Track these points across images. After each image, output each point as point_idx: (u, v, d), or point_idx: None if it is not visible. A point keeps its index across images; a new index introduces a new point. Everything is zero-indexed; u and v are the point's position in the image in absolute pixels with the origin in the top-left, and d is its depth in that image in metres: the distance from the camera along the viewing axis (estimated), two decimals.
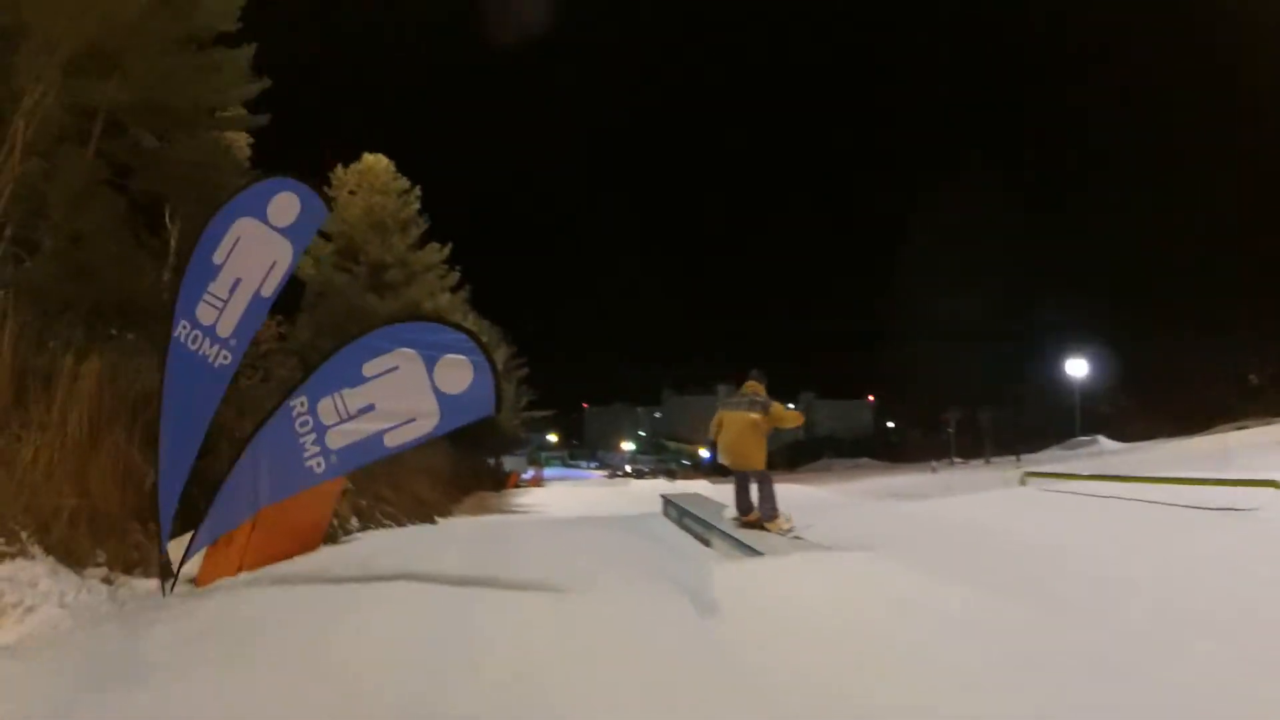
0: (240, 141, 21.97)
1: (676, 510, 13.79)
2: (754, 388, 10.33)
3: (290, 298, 22.22)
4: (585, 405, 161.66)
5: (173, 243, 14.48)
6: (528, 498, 32.80)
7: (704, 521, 11.36)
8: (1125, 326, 74.34)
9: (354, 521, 14.95)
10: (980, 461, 62.66)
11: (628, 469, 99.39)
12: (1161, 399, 65.43)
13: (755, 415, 10.07)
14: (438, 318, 8.43)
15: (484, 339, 7.16)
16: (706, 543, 10.64)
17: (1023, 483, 15.10)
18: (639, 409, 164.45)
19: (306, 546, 9.68)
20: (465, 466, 36.38)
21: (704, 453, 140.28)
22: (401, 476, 21.17)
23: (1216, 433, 36.90)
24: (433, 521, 20.81)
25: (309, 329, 22.08)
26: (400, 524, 17.93)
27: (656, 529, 12.56)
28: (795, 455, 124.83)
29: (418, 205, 27.04)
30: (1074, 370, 70.70)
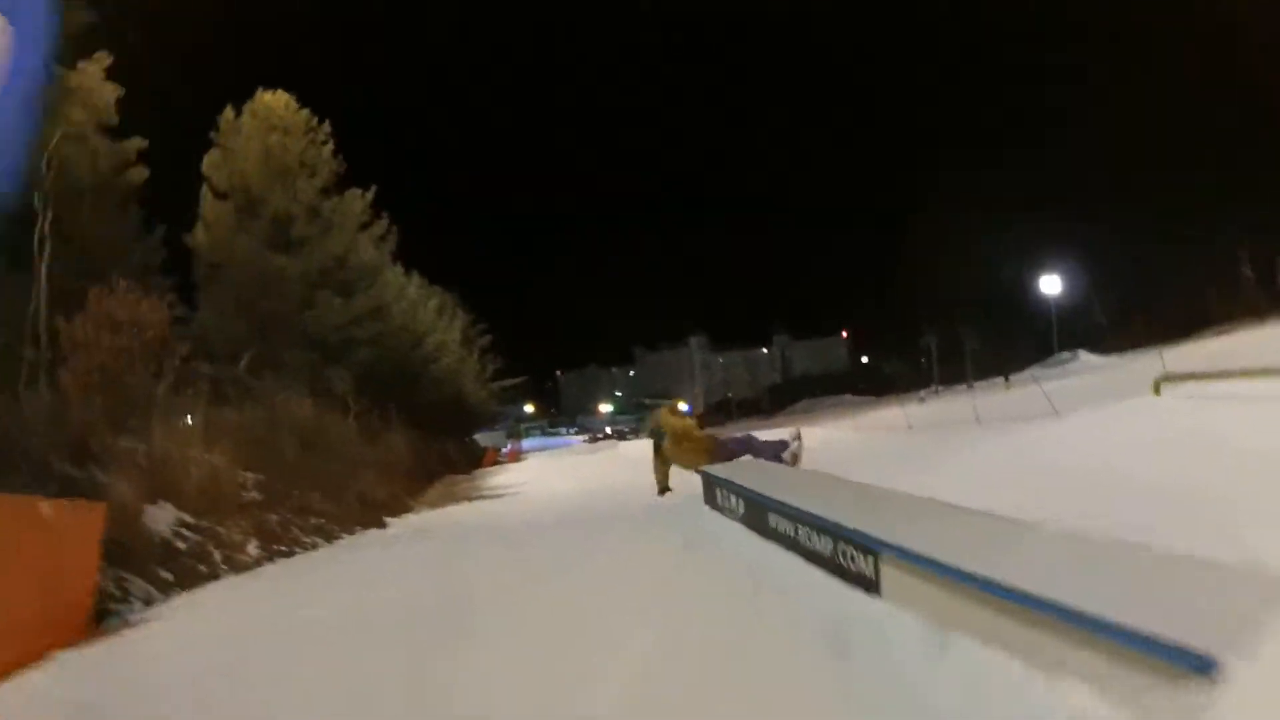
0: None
1: (744, 500, 8.47)
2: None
3: (180, 273, 17.84)
4: (559, 373, 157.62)
5: None
6: (505, 476, 28.62)
7: (848, 536, 5.40)
8: (1094, 239, 72.19)
9: (252, 549, 10.68)
10: (963, 386, 60.73)
11: (609, 431, 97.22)
12: (1138, 311, 61.37)
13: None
14: None
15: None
16: (867, 584, 5.10)
17: (1157, 391, 11.19)
18: (613, 369, 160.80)
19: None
20: (430, 451, 32.15)
21: (683, 406, 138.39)
22: (338, 477, 16.98)
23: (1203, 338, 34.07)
24: (381, 525, 16.72)
25: (211, 308, 17.70)
26: (333, 538, 13.79)
27: (704, 539, 8.44)
28: (774, 398, 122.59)
29: (329, 144, 22.93)
30: (1048, 287, 69.39)
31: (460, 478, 30.65)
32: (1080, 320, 72.40)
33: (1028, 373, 52.61)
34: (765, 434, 15.04)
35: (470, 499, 22.43)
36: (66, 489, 8.22)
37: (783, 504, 6.85)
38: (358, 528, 15.83)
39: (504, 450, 50.30)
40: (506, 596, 6.81)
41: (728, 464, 10.85)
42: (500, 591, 7.13)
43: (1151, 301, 61.58)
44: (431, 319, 31.08)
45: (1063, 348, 62.70)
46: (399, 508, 20.61)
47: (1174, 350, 26.63)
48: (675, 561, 7.45)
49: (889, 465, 11.20)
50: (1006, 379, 53.76)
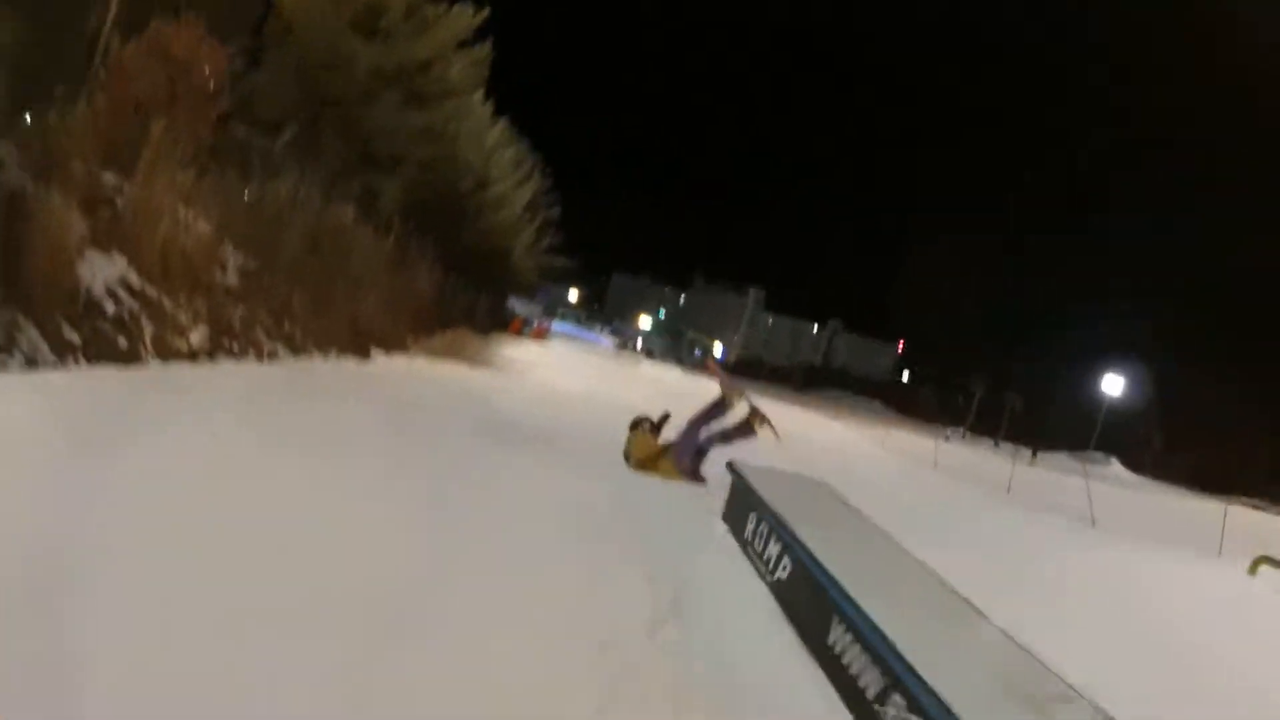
0: None
1: (795, 559, 5.42)
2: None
3: (258, 31, 16.15)
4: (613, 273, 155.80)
5: None
6: (521, 350, 27.34)
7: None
8: (1173, 357, 71.34)
9: (195, 337, 9.30)
10: (991, 442, 59.39)
11: (638, 344, 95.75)
12: (1184, 444, 62.48)
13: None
14: None
15: None
16: None
17: (1253, 572, 9.51)
18: (666, 288, 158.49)
19: None
20: (456, 298, 30.76)
21: (719, 348, 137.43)
22: (339, 290, 15.56)
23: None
24: (365, 355, 15.39)
25: (270, 70, 16.11)
26: (300, 352, 12.46)
27: (701, 601, 5.40)
28: (808, 377, 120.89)
29: None
30: (1109, 387, 69.21)
31: (475, 337, 29.38)
32: (1123, 431, 71.87)
33: (1055, 457, 51.55)
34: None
35: (471, 361, 21.12)
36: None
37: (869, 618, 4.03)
38: (335, 350, 14.53)
39: (531, 324, 48.97)
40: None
41: (786, 477, 8.34)
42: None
43: (1200, 444, 64.03)
44: (503, 168, 29.30)
45: (1098, 448, 63.04)
46: (394, 343, 19.30)
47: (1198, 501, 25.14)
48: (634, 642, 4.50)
49: (928, 520, 9.59)
50: (1034, 454, 52.79)
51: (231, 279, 11.15)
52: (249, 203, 13.88)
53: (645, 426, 8.71)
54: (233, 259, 11.39)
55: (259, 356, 11.11)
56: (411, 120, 18.31)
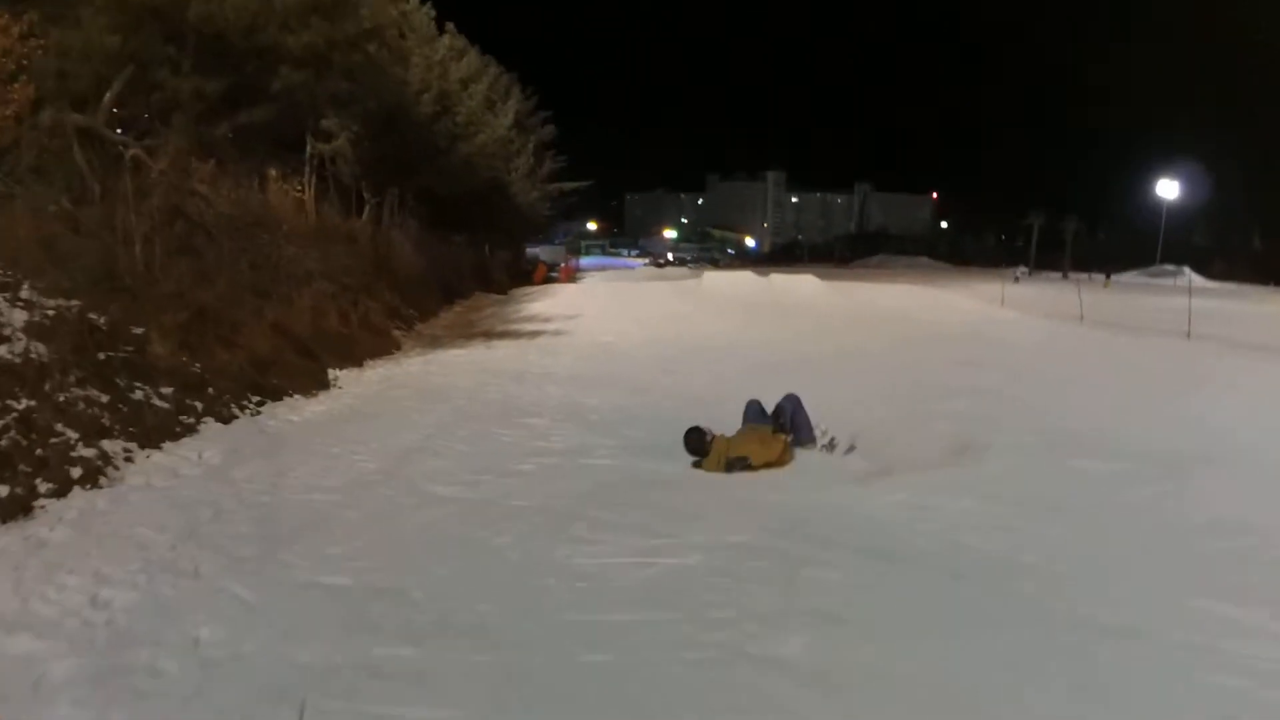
0: None
1: None
2: None
3: None
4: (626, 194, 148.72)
5: None
6: (549, 304, 21.18)
7: None
8: (1232, 152, 68.70)
9: None
10: (1058, 275, 55.44)
11: (670, 257, 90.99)
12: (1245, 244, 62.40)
13: None
14: None
15: None
16: None
17: None
18: (682, 195, 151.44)
19: None
20: (455, 259, 24.75)
21: (750, 241, 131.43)
22: (242, 313, 9.68)
23: None
24: (318, 385, 9.69)
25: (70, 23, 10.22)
26: (150, 445, 6.58)
27: None
28: (847, 248, 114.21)
29: None
30: (1164, 191, 65.62)
31: (492, 299, 23.32)
32: (1182, 236, 69.65)
33: (1127, 276, 47.55)
34: None
35: (487, 336, 15.12)
36: None
37: None
38: (249, 398, 8.74)
39: (557, 268, 42.84)
40: None
41: None
42: None
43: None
44: (467, 81, 22.93)
45: (1166, 260, 60.18)
46: (371, 346, 13.39)
47: None
48: None
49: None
50: (1107, 277, 49.75)
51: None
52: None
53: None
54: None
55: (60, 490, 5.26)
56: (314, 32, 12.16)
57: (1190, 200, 68.94)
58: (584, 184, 37.95)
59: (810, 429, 7.61)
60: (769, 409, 7.72)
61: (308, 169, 18.53)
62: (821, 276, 29.36)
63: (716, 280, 27.39)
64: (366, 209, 20.55)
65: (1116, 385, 11.11)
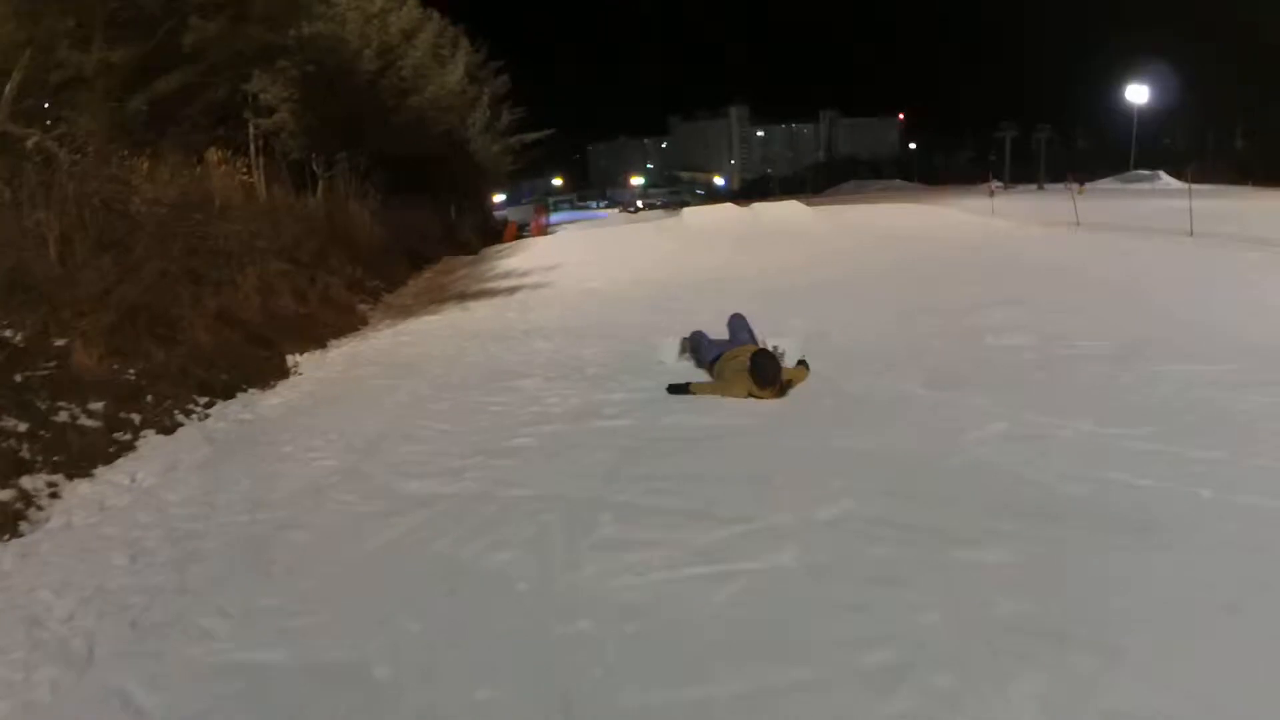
0: None
1: None
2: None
3: None
4: (589, 146, 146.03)
5: None
6: (524, 258, 19.71)
7: None
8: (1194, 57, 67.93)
9: None
10: (1034, 186, 55.12)
11: (640, 205, 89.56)
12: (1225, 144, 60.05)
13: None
14: None
15: None
16: None
17: None
18: (645, 140, 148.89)
19: None
20: (420, 224, 23.14)
21: (719, 180, 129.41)
22: (179, 303, 8.23)
23: None
24: (276, 374, 8.31)
25: None
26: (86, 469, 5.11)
27: None
28: (818, 177, 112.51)
29: None
30: (1134, 96, 63.23)
31: (464, 260, 21.74)
32: (1157, 141, 68.03)
33: (1102, 183, 48.10)
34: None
35: (460, 300, 13.63)
36: None
37: None
38: (198, 397, 7.36)
39: (527, 225, 41.16)
40: None
41: None
42: None
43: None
44: (409, 31, 21.13)
45: (1140, 165, 58.17)
46: (344, 324, 11.97)
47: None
48: None
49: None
50: (1080, 185, 49.08)
51: None
52: None
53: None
54: None
55: None
56: None
57: (1162, 104, 67.26)
58: (546, 133, 36.12)
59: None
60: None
61: (253, 148, 17.01)
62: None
63: (697, 215, 25.88)
64: (321, 183, 18.98)
65: (1152, 283, 10.48)
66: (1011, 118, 78.99)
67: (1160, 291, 9.90)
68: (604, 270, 15.52)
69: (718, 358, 6.59)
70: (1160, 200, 29.47)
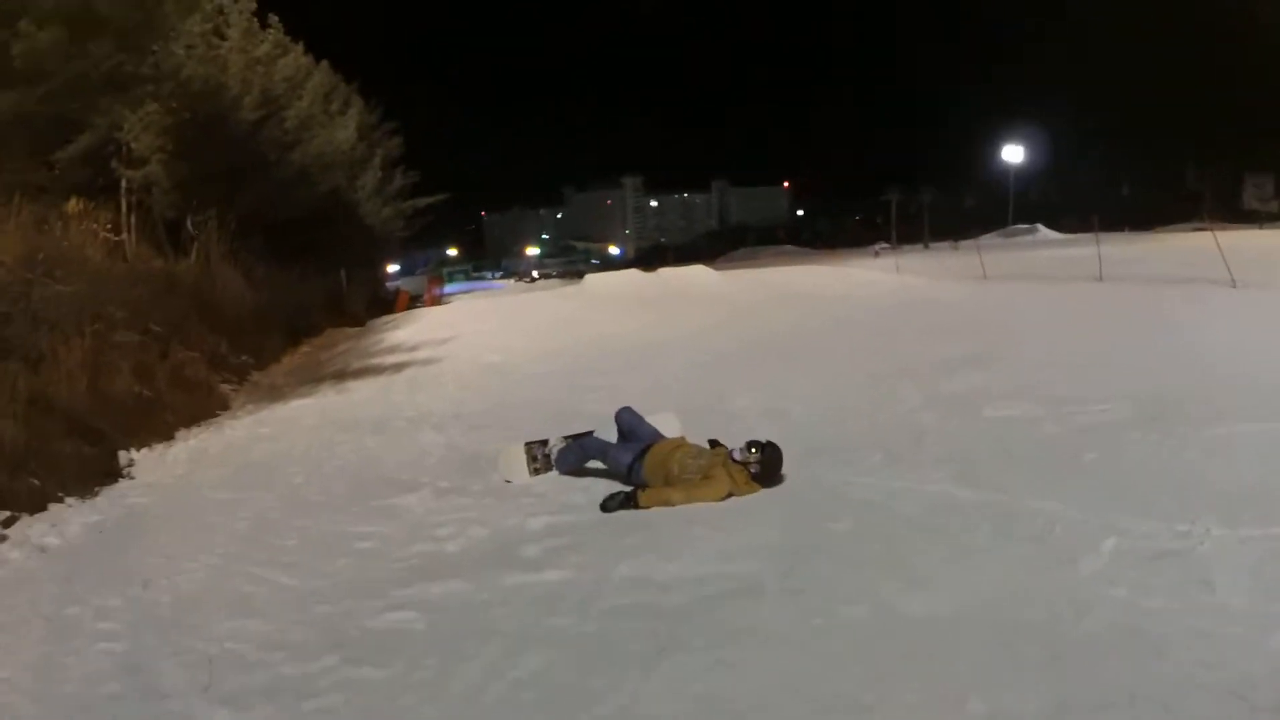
0: None
1: None
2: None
3: None
4: (483, 213, 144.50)
5: None
6: (415, 329, 17.71)
7: None
8: (1059, 117, 75.37)
9: None
10: (919, 245, 56.70)
11: (535, 275, 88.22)
12: (1093, 196, 62.96)
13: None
14: None
15: None
16: None
17: None
18: (540, 210, 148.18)
19: None
20: (305, 296, 20.96)
21: (614, 249, 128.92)
22: None
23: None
24: (106, 475, 6.21)
25: None
26: None
27: None
28: (712, 245, 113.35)
29: None
30: (1010, 156, 68.10)
31: (349, 333, 19.62)
32: (1029, 196, 73.65)
33: (985, 239, 49.24)
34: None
35: (339, 379, 11.62)
36: None
37: None
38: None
39: (421, 295, 39.10)
40: None
41: None
42: None
43: (1105, 191, 65.62)
44: (294, 81, 19.23)
45: (1018, 220, 62.17)
46: (200, 408, 9.90)
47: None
48: None
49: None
50: (955, 244, 51.41)
51: None
52: None
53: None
54: None
55: None
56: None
57: (1037, 161, 72.98)
58: (439, 198, 34.20)
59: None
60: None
61: (124, 203, 14.92)
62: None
63: (601, 281, 24.33)
64: (196, 244, 16.82)
65: (1108, 332, 10.04)
66: (898, 182, 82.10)
67: (1123, 338, 9.34)
68: (505, 341, 13.79)
69: (642, 454, 4.97)
70: (1046, 250, 30.36)
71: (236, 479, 6.17)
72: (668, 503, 4.55)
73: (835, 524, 4.06)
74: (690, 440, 5.12)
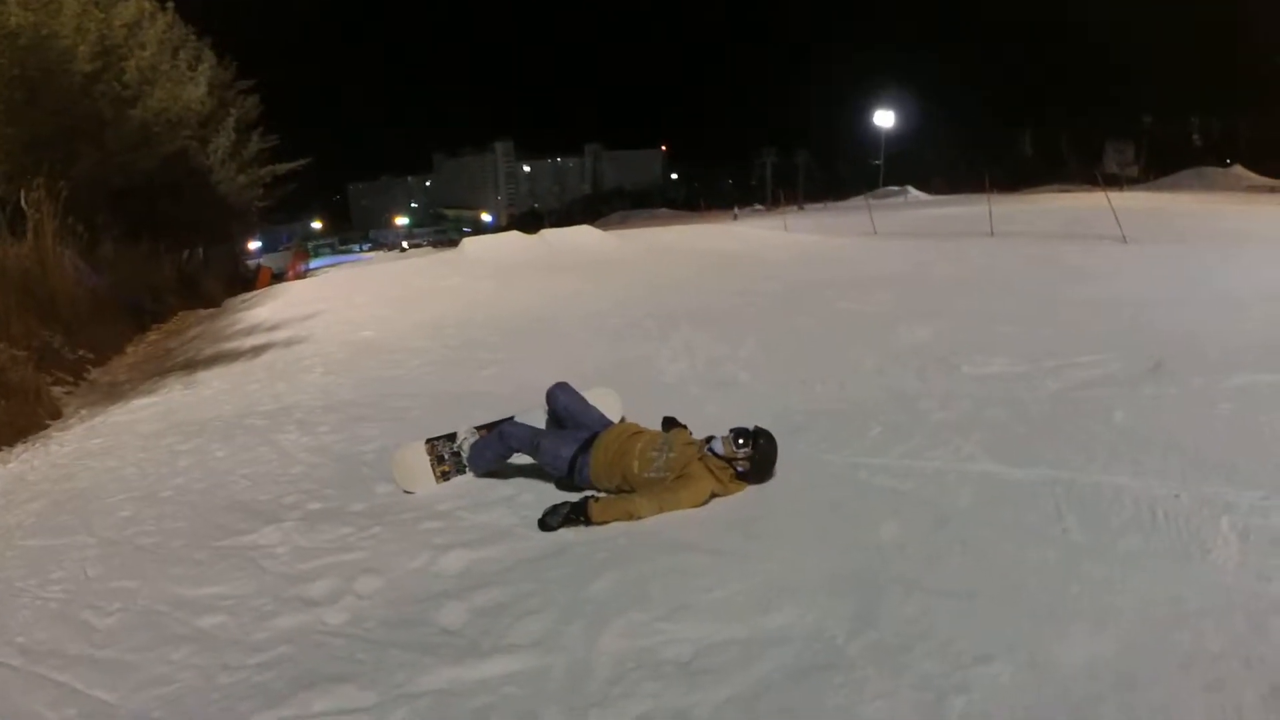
0: None
1: None
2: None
3: None
4: (349, 185, 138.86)
5: None
6: (275, 305, 15.87)
7: None
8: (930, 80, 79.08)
9: None
10: (794, 207, 57.26)
11: (405, 245, 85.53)
12: (954, 159, 66.40)
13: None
14: None
15: None
16: None
17: None
18: (409, 178, 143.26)
19: None
20: (153, 277, 18.75)
21: (486, 216, 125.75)
22: None
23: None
24: None
25: None
26: None
27: None
28: (585, 209, 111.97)
29: None
30: (881, 121, 69.24)
31: (203, 314, 17.63)
32: (908, 157, 73.48)
33: (854, 200, 49.84)
34: None
35: (188, 370, 9.93)
36: None
37: None
38: None
39: (284, 271, 36.56)
40: None
41: None
42: None
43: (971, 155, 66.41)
44: (123, 32, 16.90)
45: (888, 183, 62.98)
46: (21, 419, 8.15)
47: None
48: None
49: None
50: (825, 204, 52.90)
51: None
52: None
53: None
54: None
55: None
56: None
57: (906, 126, 73.90)
58: (300, 163, 31.56)
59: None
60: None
61: None
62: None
63: (480, 245, 22.65)
64: (30, 224, 14.55)
65: (1029, 285, 9.73)
66: (773, 144, 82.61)
67: (1046, 290, 9.04)
68: (378, 314, 12.26)
69: (587, 446, 3.86)
70: (923, 209, 30.70)
71: (53, 518, 4.69)
72: (632, 515, 3.45)
73: (879, 530, 3.04)
74: (637, 424, 4.01)
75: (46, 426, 8.12)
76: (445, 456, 4.21)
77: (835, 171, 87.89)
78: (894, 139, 71.34)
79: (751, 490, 3.65)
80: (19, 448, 7.08)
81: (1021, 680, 2.09)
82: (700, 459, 3.62)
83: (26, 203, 14.53)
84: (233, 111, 26.13)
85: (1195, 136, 63.01)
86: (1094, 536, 2.84)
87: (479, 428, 4.33)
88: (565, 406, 4.14)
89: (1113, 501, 3.08)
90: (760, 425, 3.73)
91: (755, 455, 3.62)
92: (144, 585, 3.40)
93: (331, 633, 2.82)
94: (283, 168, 30.56)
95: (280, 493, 4.38)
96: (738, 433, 3.65)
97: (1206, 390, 4.41)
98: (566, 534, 3.40)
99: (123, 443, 6.30)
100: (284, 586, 3.21)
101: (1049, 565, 2.67)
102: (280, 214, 49.63)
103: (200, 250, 27.34)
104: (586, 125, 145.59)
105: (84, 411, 8.51)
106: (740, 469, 3.62)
